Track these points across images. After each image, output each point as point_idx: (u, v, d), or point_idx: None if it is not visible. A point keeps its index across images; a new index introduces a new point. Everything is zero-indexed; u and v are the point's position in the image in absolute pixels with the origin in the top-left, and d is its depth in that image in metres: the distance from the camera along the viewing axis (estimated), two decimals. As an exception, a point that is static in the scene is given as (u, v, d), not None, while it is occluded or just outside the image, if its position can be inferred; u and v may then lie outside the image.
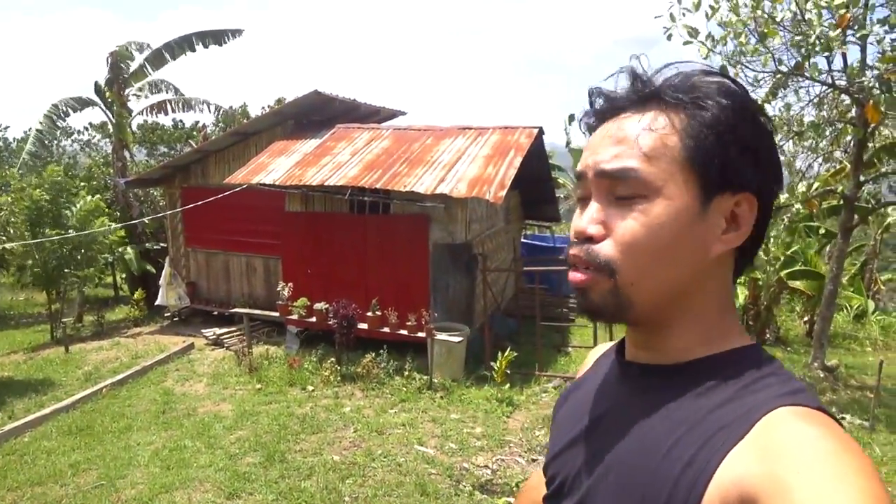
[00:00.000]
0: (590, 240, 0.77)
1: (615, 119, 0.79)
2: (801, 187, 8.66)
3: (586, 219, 0.78)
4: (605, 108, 0.81)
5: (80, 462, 5.67)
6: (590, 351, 1.10)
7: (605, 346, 1.03)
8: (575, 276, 0.79)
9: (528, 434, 6.16)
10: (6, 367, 9.13)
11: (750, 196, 0.75)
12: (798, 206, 8.32)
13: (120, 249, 12.62)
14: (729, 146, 0.73)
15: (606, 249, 0.75)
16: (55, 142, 20.66)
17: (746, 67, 6.64)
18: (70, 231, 10.12)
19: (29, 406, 7.17)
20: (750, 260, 0.82)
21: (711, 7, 6.18)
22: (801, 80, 6.91)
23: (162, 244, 13.04)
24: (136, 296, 11.94)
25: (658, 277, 0.75)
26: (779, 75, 6.65)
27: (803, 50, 5.95)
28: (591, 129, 0.84)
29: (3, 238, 9.40)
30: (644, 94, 0.78)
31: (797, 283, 10.26)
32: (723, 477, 0.65)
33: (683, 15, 6.03)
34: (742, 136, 0.74)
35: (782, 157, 6.18)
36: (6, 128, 23.83)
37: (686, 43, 6.15)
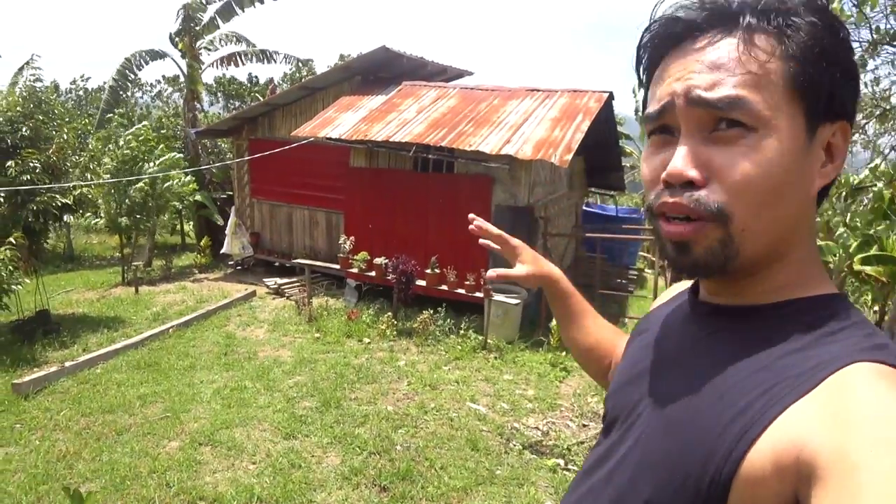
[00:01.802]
0: (690, 184, 0.66)
1: (693, 42, 0.69)
2: (883, 165, 8.15)
3: (682, 160, 0.66)
4: (679, 30, 0.70)
5: (148, 395, 5.94)
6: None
7: (684, 284, 0.94)
8: (675, 228, 0.68)
9: (580, 400, 6.12)
10: (81, 304, 9.58)
11: (846, 125, 0.68)
12: (879, 185, 7.84)
13: (190, 198, 12.99)
14: (831, 69, 0.65)
15: (717, 194, 0.65)
16: (129, 94, 21.25)
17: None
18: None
19: (101, 340, 7.53)
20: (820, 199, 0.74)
21: None
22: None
23: (228, 192, 13.36)
24: (202, 243, 12.33)
25: (768, 220, 0.66)
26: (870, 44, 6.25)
27: None
28: (658, 54, 0.73)
29: (86, 180, 9.74)
30: (728, 13, 0.67)
31: (869, 269, 9.74)
32: (780, 432, 0.58)
33: None
34: (841, 57, 0.66)
35: (863, 138, 5.87)
36: (88, 79, 24.74)
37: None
